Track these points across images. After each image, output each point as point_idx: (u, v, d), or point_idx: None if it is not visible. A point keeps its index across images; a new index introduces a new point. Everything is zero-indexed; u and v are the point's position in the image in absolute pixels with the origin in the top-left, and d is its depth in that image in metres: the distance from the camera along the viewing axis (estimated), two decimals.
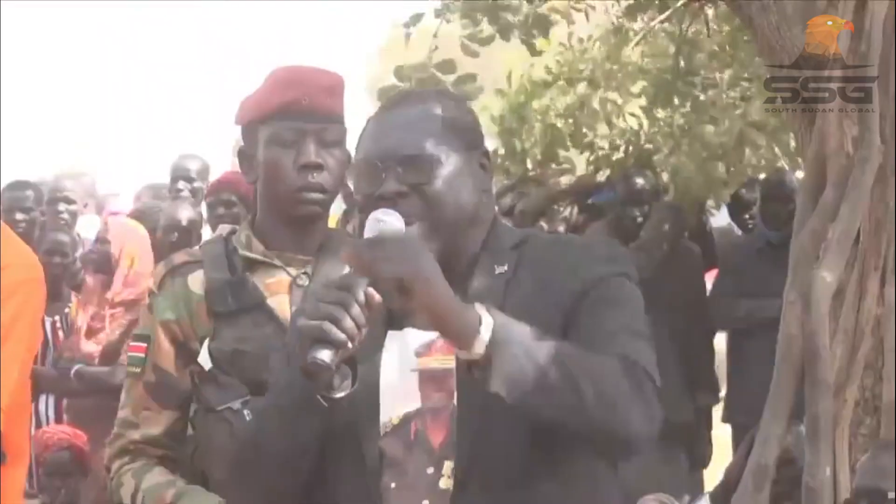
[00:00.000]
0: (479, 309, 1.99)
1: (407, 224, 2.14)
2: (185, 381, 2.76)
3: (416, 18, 5.22)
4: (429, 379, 2.15)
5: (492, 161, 2.30)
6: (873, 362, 4.09)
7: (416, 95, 2.32)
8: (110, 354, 5.73)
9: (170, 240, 6.16)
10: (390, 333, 2.18)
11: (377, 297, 2.03)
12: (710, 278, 6.68)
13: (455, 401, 2.13)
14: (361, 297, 2.02)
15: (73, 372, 5.89)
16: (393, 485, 2.12)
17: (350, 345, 2.01)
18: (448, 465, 2.11)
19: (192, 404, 2.77)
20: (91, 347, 5.92)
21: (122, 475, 2.77)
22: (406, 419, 2.14)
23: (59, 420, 6.05)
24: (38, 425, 6.08)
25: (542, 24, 5.40)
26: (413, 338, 2.18)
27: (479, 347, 1.96)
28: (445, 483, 2.11)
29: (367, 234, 2.13)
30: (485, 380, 1.97)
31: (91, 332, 5.97)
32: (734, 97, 5.76)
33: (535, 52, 5.69)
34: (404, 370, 2.16)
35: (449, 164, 2.18)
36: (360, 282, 2.03)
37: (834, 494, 3.89)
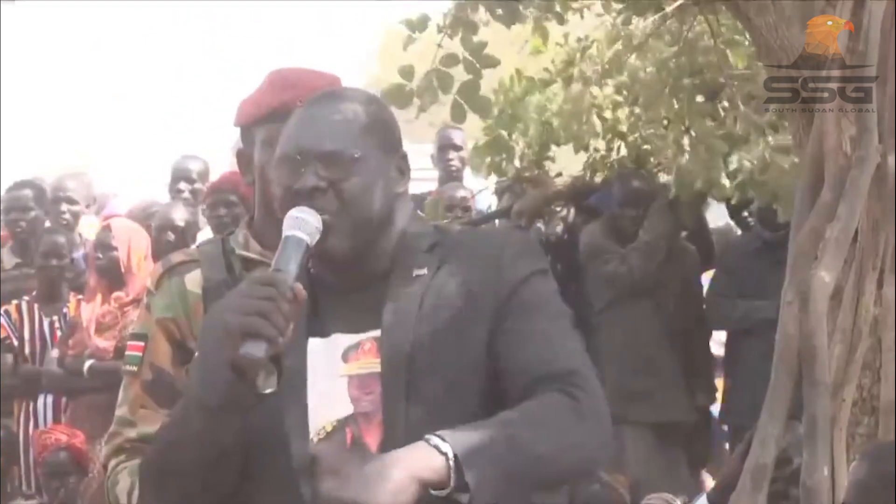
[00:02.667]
0: (433, 443, 1.99)
1: (323, 220, 2.15)
2: (182, 379, 2.77)
3: (423, 23, 5.20)
4: (357, 383, 2.16)
5: (408, 166, 2.31)
6: (871, 362, 4.10)
7: (339, 94, 2.33)
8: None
9: (165, 239, 6.18)
10: (313, 340, 2.19)
11: (302, 292, 2.05)
12: (708, 278, 6.69)
13: (381, 402, 2.14)
14: (289, 291, 2.03)
15: (86, 368, 5.90)
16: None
17: (280, 339, 2.02)
18: None
19: None
20: (104, 343, 5.94)
21: (118, 473, 2.77)
22: (339, 425, 2.15)
23: (57, 420, 6.06)
24: (37, 426, 6.09)
25: (559, 13, 5.39)
26: (339, 343, 2.18)
27: (452, 482, 1.97)
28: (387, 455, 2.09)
29: (286, 231, 2.15)
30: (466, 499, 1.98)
31: (100, 329, 5.98)
32: (758, 121, 5.74)
33: (546, 38, 5.68)
34: (333, 376, 2.17)
35: (367, 162, 2.19)
36: (287, 276, 2.05)
37: (832, 494, 3.89)
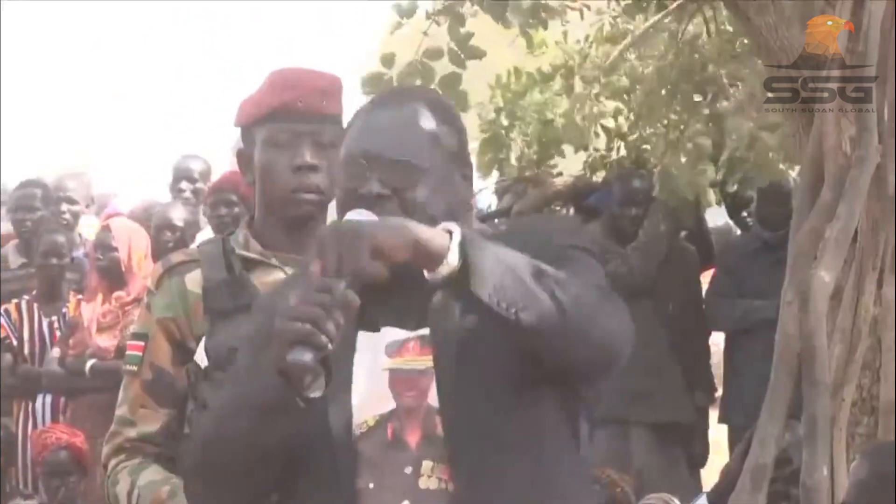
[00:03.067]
0: (447, 225, 2.03)
1: None
2: (181, 379, 2.78)
3: (411, 10, 5.19)
4: (400, 379, 2.15)
5: (472, 170, 2.30)
6: (871, 362, 4.10)
7: (409, 95, 2.31)
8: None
9: (163, 239, 6.18)
10: (362, 334, 2.18)
11: (356, 300, 2.03)
12: (707, 278, 6.68)
13: (429, 400, 2.13)
14: (342, 299, 2.02)
15: (87, 367, 5.90)
16: (371, 485, 2.12)
17: (330, 346, 2.01)
18: (427, 465, 2.11)
19: (189, 402, 2.77)
20: (105, 342, 5.94)
21: (118, 473, 2.78)
22: (382, 420, 2.14)
23: (55, 420, 6.05)
24: (35, 426, 6.09)
25: (542, 16, 5.37)
26: (386, 337, 2.17)
27: (454, 258, 2.00)
28: (425, 483, 2.11)
29: None
30: (464, 283, 2.00)
31: (101, 329, 5.98)
32: (740, 100, 5.74)
33: (532, 45, 5.66)
34: (376, 370, 2.16)
35: (432, 172, 2.18)
36: (340, 283, 2.03)
37: (832, 494, 3.89)
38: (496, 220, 6.76)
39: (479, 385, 2.11)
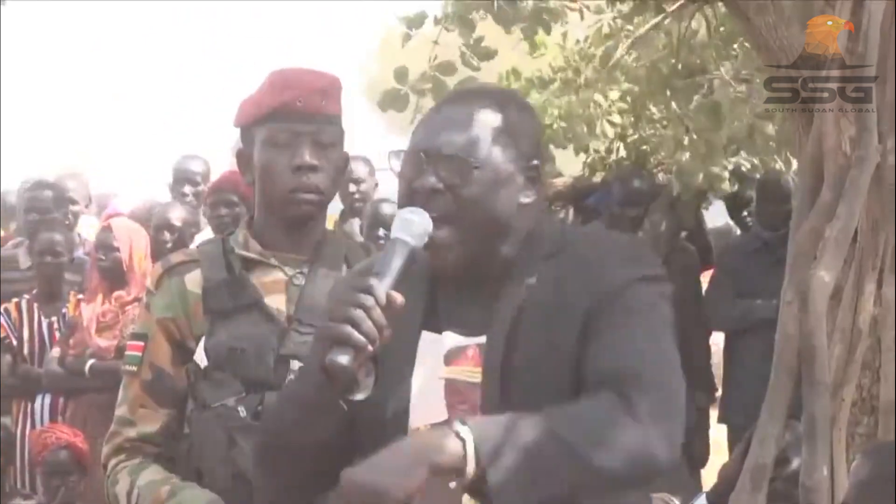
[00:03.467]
0: (458, 430, 1.95)
1: (435, 224, 2.13)
2: (181, 379, 2.78)
3: (420, 20, 5.19)
4: (453, 390, 2.14)
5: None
6: (871, 362, 4.09)
7: (477, 93, 2.30)
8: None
9: (162, 239, 6.18)
10: (425, 334, 2.17)
11: (399, 299, 2.03)
12: (706, 278, 6.69)
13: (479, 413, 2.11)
14: (383, 298, 2.02)
15: (87, 367, 5.90)
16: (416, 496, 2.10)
17: (370, 348, 2.00)
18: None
19: (188, 402, 2.78)
20: (105, 343, 5.94)
21: (117, 473, 2.78)
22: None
23: (54, 421, 6.05)
24: (34, 426, 6.09)
25: (545, 20, 5.38)
26: (447, 342, 2.16)
27: (471, 471, 1.94)
28: (468, 501, 2.08)
29: (393, 232, 2.13)
30: (491, 494, 1.93)
31: (101, 328, 5.98)
32: (741, 91, 5.75)
33: (535, 48, 5.67)
34: (433, 378, 2.15)
35: (489, 170, 2.16)
36: (385, 282, 2.03)
37: (831, 494, 3.89)
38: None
39: (524, 404, 2.05)
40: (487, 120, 2.20)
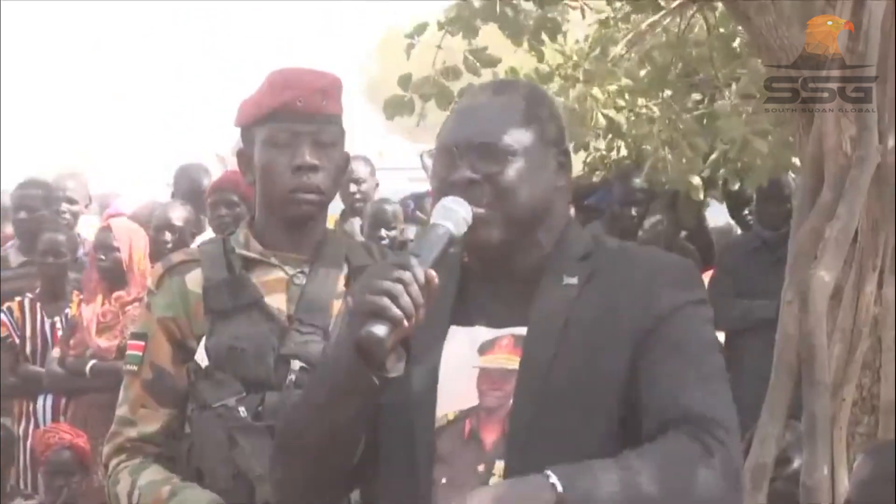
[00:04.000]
0: (550, 479, 1.95)
1: (475, 213, 2.13)
2: (182, 379, 2.78)
3: (421, 29, 5.21)
4: (488, 377, 2.14)
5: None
6: (871, 362, 4.10)
7: (502, 85, 2.30)
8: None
9: (163, 239, 6.18)
10: (454, 328, 2.17)
11: (436, 279, 2.03)
12: (707, 277, 6.68)
13: (511, 401, 2.10)
14: (421, 276, 2.02)
15: (88, 368, 5.90)
16: (443, 480, 2.11)
17: (406, 323, 2.00)
18: (499, 465, 2.09)
19: (189, 402, 2.77)
20: (105, 343, 5.94)
21: (118, 473, 2.78)
22: (461, 416, 2.13)
23: (55, 420, 6.05)
24: (36, 426, 6.09)
25: (552, 28, 5.40)
26: (479, 335, 2.16)
27: None
28: (495, 482, 2.08)
29: (434, 218, 2.13)
30: None
31: (102, 329, 5.98)
32: (736, 100, 5.73)
33: (542, 58, 5.69)
34: (465, 366, 2.14)
35: (524, 155, 2.16)
36: (423, 262, 2.03)
37: (832, 494, 3.89)
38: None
39: (561, 403, 2.07)
40: (514, 108, 2.20)
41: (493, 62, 5.16)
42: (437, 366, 2.15)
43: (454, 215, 2.11)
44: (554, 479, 1.94)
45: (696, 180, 5.95)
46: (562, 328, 2.11)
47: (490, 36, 5.27)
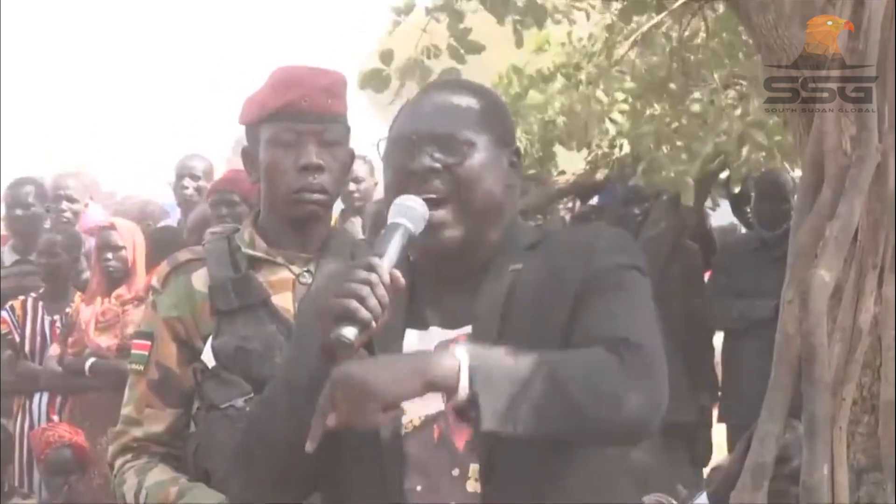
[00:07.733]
0: (455, 352, 1.97)
1: (432, 208, 2.14)
2: (187, 378, 2.77)
3: (409, 8, 5.21)
4: None
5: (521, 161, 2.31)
6: (871, 361, 4.09)
7: (457, 83, 2.35)
8: (129, 348, 5.79)
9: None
10: (410, 332, 2.18)
11: (401, 279, 2.04)
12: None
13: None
14: (386, 276, 2.03)
15: (87, 365, 5.91)
16: (419, 487, 2.12)
17: (374, 324, 2.01)
18: (474, 468, 2.10)
19: (195, 402, 2.77)
20: (105, 342, 5.94)
21: (124, 473, 2.77)
22: (428, 421, 2.13)
23: (50, 419, 6.06)
24: (32, 424, 6.09)
25: (538, 14, 5.38)
26: (434, 336, 2.17)
27: (463, 392, 1.95)
28: (473, 486, 2.10)
29: (391, 217, 2.14)
30: (477, 419, 1.95)
31: (101, 327, 5.99)
32: (732, 98, 5.75)
33: (521, 43, 5.66)
34: None
35: (482, 149, 2.19)
36: (387, 262, 2.04)
37: (832, 493, 3.90)
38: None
39: None
40: (471, 105, 2.24)
41: (476, 48, 5.15)
42: None
43: (412, 213, 2.13)
44: (457, 348, 1.97)
45: (690, 183, 5.95)
46: (502, 313, 2.13)
47: (481, 27, 5.25)
